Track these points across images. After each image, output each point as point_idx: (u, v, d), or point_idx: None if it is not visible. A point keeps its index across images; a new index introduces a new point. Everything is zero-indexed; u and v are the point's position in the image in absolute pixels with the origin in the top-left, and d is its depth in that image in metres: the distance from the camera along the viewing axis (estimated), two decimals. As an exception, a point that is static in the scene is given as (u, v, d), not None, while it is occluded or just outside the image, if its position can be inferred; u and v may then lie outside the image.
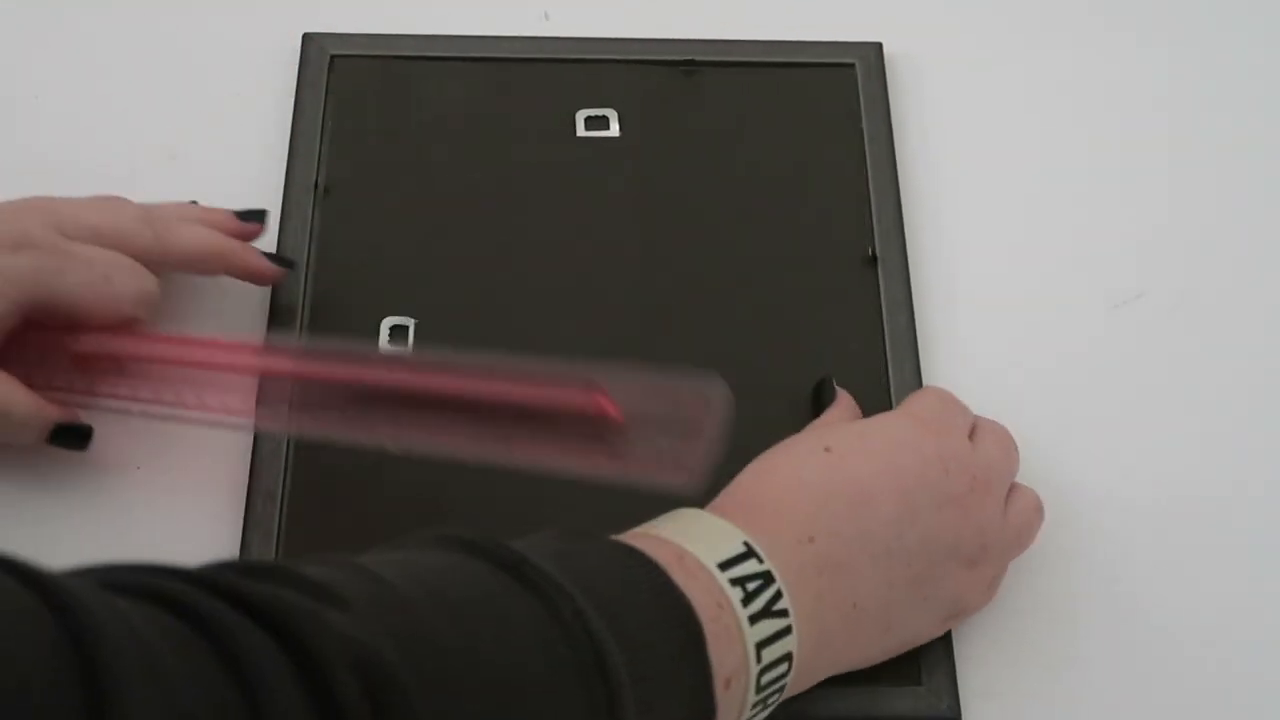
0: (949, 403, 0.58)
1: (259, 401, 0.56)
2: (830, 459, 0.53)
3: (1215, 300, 0.68)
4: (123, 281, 0.56)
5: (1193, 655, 0.59)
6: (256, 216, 0.62)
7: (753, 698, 0.48)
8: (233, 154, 0.69)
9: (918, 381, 0.63)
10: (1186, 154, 0.72)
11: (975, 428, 0.57)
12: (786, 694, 0.50)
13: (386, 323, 0.62)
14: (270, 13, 0.72)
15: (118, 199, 0.60)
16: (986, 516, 0.54)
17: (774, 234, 0.66)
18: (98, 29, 0.72)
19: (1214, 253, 0.69)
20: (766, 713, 0.50)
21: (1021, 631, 0.59)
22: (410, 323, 0.62)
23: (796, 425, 0.60)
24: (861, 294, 0.64)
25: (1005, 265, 0.68)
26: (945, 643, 0.57)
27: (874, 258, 0.65)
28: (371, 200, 0.66)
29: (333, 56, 0.69)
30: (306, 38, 0.69)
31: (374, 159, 0.67)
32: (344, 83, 0.69)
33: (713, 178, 0.68)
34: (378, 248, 0.65)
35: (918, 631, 0.55)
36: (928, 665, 0.56)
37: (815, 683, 0.52)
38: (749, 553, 0.48)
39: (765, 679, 0.48)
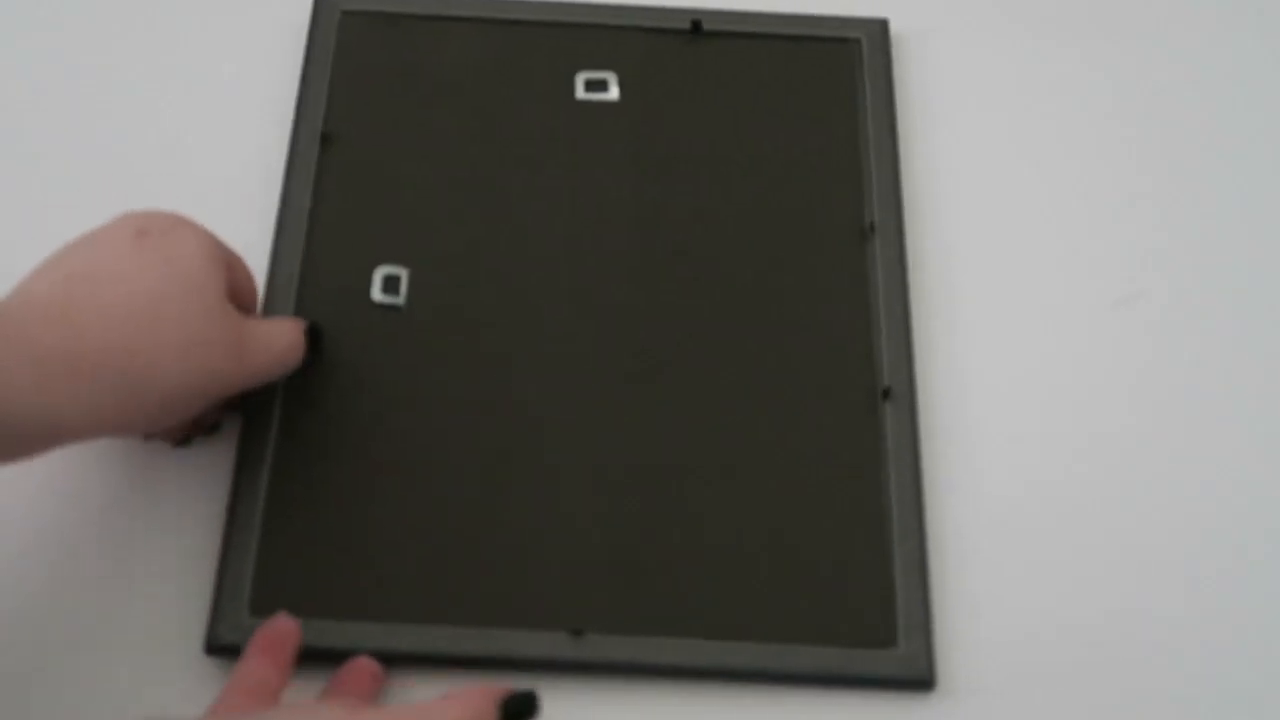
0: None
1: None
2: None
3: (1215, 295, 0.68)
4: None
5: (1176, 633, 0.60)
6: None
7: None
8: (241, 104, 0.69)
9: (907, 359, 0.63)
10: (1192, 145, 0.72)
11: None
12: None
13: (379, 272, 0.63)
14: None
15: None
16: None
17: (770, 203, 0.66)
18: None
19: (1214, 248, 0.69)
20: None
21: (1000, 599, 0.60)
22: (403, 273, 0.63)
23: (787, 390, 0.62)
24: (855, 266, 0.65)
25: (1005, 252, 0.68)
26: (924, 607, 0.57)
27: (871, 227, 0.65)
28: (372, 152, 0.67)
29: (343, 13, 0.70)
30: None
31: (377, 112, 0.68)
32: (352, 38, 0.69)
33: (711, 145, 0.68)
34: (375, 199, 0.66)
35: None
36: (905, 628, 0.57)
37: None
38: None
39: None
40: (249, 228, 0.64)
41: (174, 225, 0.55)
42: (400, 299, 0.63)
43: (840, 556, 0.59)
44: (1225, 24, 0.75)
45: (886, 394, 0.62)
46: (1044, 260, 0.68)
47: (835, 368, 0.63)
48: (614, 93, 0.69)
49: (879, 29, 0.71)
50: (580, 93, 0.69)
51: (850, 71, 0.70)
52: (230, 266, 0.57)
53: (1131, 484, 0.63)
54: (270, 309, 0.62)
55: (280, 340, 0.59)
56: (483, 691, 0.52)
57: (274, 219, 0.65)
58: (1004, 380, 0.65)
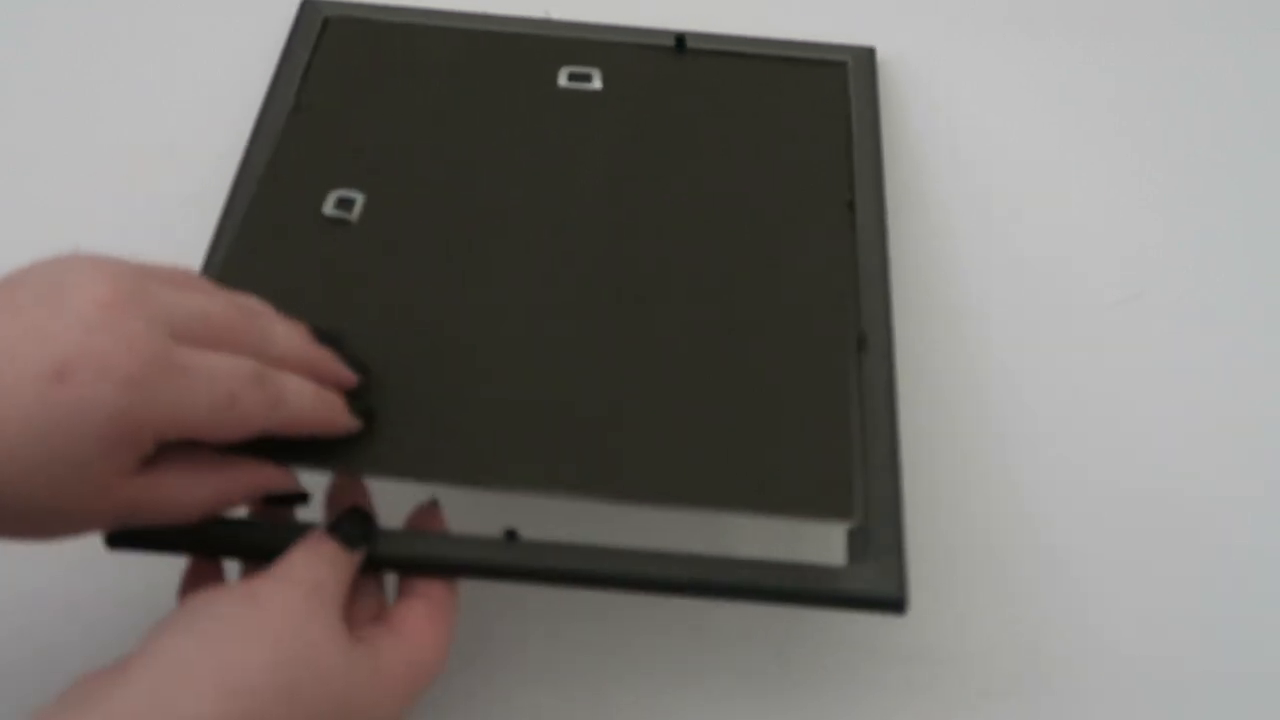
0: None
1: None
2: None
3: (1214, 299, 0.66)
4: (250, 402, 0.47)
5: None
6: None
7: None
8: (214, 93, 0.71)
9: (885, 312, 0.60)
10: (1183, 154, 0.71)
11: None
12: None
13: (334, 194, 0.61)
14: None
15: (191, 272, 0.53)
16: None
17: (750, 187, 0.64)
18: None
19: (1213, 252, 0.68)
20: None
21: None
22: (359, 196, 0.61)
23: (759, 326, 0.58)
24: (839, 239, 0.62)
25: (1002, 255, 0.68)
26: (895, 529, 0.52)
27: (850, 205, 0.63)
28: (342, 121, 0.66)
29: (326, 18, 0.70)
30: (306, 2, 0.71)
31: (352, 90, 0.67)
32: (334, 39, 0.70)
33: (693, 131, 0.66)
34: (339, 156, 0.64)
35: None
36: (875, 548, 0.52)
37: None
38: None
39: None
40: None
41: (101, 373, 0.44)
42: (352, 216, 0.60)
43: (802, 446, 0.54)
44: (1219, 35, 0.75)
45: (862, 343, 0.58)
46: (1040, 263, 0.67)
47: (811, 316, 0.59)
48: (597, 84, 0.68)
49: (866, 55, 0.71)
50: (563, 81, 0.68)
51: (835, 88, 0.69)
52: (159, 429, 0.45)
53: (1134, 484, 0.60)
54: (218, 240, 0.60)
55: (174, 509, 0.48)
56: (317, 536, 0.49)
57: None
58: (1006, 401, 0.63)
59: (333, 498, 0.52)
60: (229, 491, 0.49)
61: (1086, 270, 0.67)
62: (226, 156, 0.66)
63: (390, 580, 0.51)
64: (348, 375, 0.53)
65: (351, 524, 0.50)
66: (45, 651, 0.54)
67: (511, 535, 0.51)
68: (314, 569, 0.48)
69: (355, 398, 0.52)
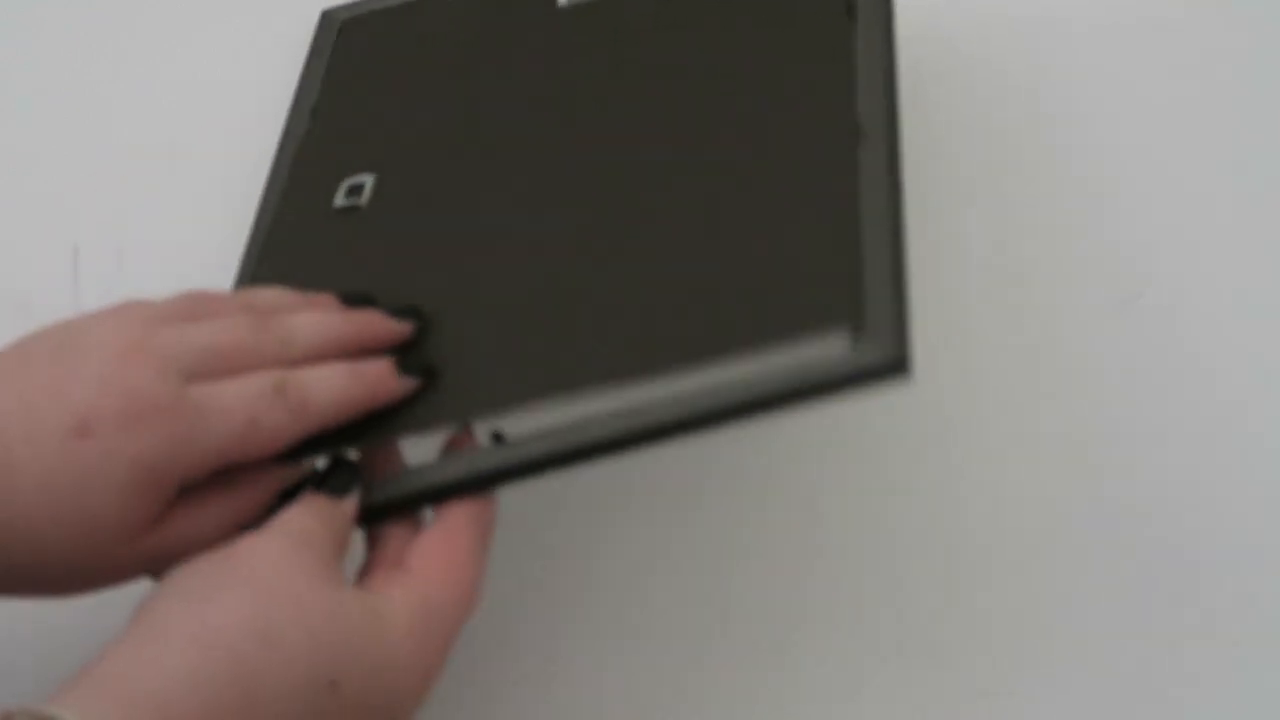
0: None
1: None
2: None
3: (1215, 299, 0.66)
4: (273, 420, 0.47)
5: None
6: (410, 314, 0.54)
7: None
8: (215, 93, 0.71)
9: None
10: (1189, 151, 0.71)
11: None
12: None
13: (345, 182, 0.61)
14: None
15: (202, 295, 0.52)
16: None
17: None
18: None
19: (1214, 252, 0.67)
20: None
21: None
22: (368, 179, 0.61)
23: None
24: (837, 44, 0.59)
25: (1006, 253, 0.67)
26: (897, 300, 0.47)
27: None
28: (353, 116, 0.65)
29: (343, 22, 0.70)
30: (325, 14, 0.71)
31: (364, 86, 0.67)
32: (347, 41, 0.69)
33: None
34: (349, 149, 0.63)
35: None
36: (872, 307, 0.47)
37: None
38: None
39: None
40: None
41: (122, 425, 0.45)
42: (362, 200, 0.60)
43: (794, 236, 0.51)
44: (1226, 32, 0.75)
45: (856, 134, 0.54)
46: (1045, 273, 0.66)
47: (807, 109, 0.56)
48: None
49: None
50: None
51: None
52: (185, 474, 0.46)
53: (1137, 485, 0.60)
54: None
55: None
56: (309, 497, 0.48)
57: None
58: (1008, 404, 0.63)
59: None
60: (246, 508, 0.49)
61: (1088, 269, 0.67)
62: (228, 157, 0.66)
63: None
64: (398, 328, 0.52)
65: (336, 475, 0.49)
66: (45, 654, 0.54)
67: (498, 438, 0.50)
68: (303, 522, 0.47)
69: (410, 354, 0.51)
